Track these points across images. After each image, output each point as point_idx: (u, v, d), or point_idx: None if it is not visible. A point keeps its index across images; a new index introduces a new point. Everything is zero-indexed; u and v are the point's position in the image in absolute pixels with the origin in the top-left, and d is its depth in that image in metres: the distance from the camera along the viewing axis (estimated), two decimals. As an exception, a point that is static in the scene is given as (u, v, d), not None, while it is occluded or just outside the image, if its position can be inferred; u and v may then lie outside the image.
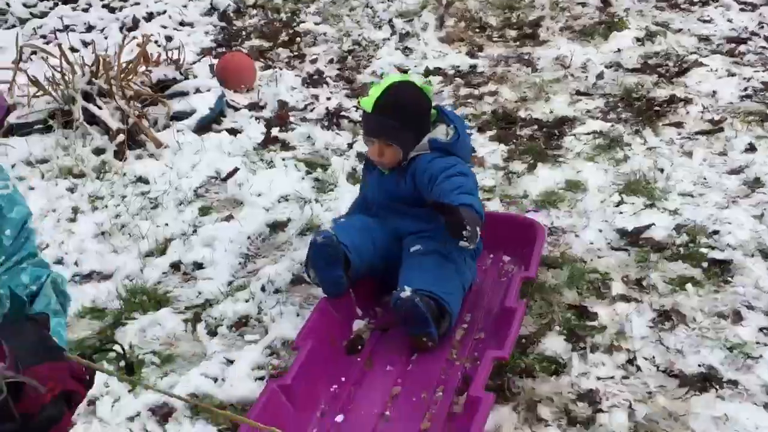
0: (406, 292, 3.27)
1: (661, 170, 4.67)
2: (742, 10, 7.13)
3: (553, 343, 3.44)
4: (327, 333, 3.41)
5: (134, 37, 6.74)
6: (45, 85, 5.76)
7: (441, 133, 3.55)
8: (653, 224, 4.18)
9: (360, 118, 3.68)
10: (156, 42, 7.00)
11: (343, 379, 3.30)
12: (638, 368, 3.29)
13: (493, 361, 3.09)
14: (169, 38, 7.43)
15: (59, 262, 4.37)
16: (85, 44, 7.21)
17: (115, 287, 4.04)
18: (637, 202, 4.39)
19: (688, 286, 3.71)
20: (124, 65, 5.86)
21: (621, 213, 4.33)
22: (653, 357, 3.33)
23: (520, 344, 3.43)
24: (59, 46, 5.84)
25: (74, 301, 3.89)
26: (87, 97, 5.73)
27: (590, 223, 4.28)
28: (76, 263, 4.35)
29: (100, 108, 5.66)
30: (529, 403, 3.13)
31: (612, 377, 3.26)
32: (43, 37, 7.76)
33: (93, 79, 5.73)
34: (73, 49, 6.38)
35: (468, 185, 3.39)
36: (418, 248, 3.50)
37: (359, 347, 3.46)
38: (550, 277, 3.86)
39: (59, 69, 5.69)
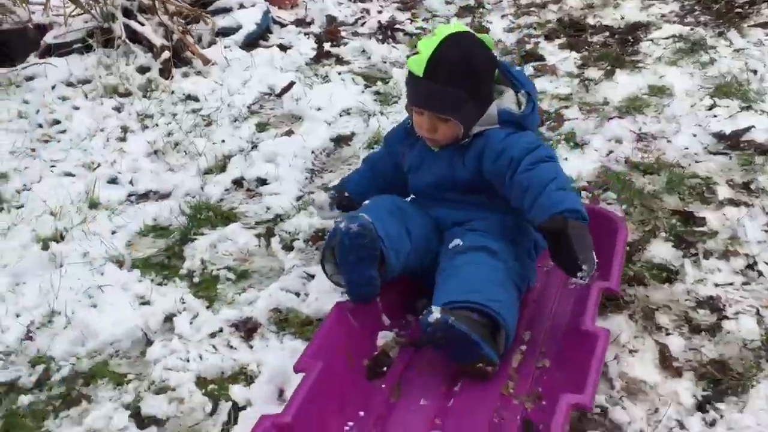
0: (435, 314, 2.40)
1: (754, 72, 4.33)
2: None
3: (661, 250, 3.16)
4: (343, 349, 2.57)
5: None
6: (82, 2, 5.44)
7: (510, 101, 2.74)
8: (753, 127, 3.86)
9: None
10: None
11: (362, 413, 2.44)
12: (760, 273, 3.01)
13: (571, 410, 2.22)
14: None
15: (113, 181, 4.11)
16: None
17: (177, 204, 3.78)
18: (732, 105, 4.08)
19: (802, 187, 3.41)
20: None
21: (715, 116, 4.02)
22: (775, 262, 3.05)
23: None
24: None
25: (134, 219, 3.66)
26: (127, 13, 5.43)
27: (682, 128, 3.98)
28: (131, 182, 4.09)
29: (142, 24, 5.35)
30: (646, 311, 2.86)
31: (731, 283, 2.98)
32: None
33: (132, -7, 5.41)
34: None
35: (561, 175, 2.60)
36: (458, 244, 2.69)
37: (384, 368, 2.60)
38: (647, 183, 3.57)
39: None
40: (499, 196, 2.72)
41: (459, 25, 2.70)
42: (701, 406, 2.48)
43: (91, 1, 5.43)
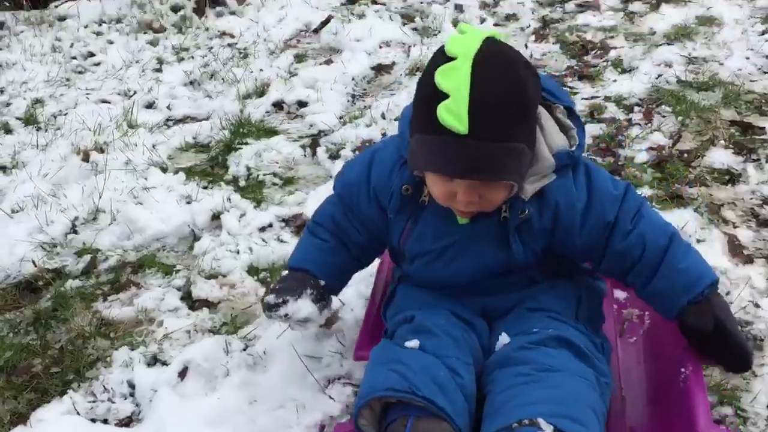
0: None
1: (804, 1, 4.23)
2: None
3: (721, 156, 3.07)
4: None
5: None
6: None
7: (553, 129, 1.83)
8: (807, 47, 3.76)
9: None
10: None
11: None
12: (826, 172, 2.91)
13: None
14: None
15: (150, 106, 4.05)
16: None
17: (218, 122, 3.70)
18: (785, 31, 3.97)
19: None
20: None
21: None
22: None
23: (681, 159, 3.06)
24: None
25: (174, 137, 3.60)
26: (161, -45, 5.37)
27: (734, 52, 3.87)
28: (168, 107, 4.02)
29: (176, -36, 5.30)
30: (711, 207, 2.77)
31: (798, 188, 2.88)
32: None
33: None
34: None
35: (669, 223, 1.88)
36: (510, 342, 1.83)
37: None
38: (702, 98, 3.47)
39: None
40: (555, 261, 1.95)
41: (478, 32, 1.69)
42: (775, 289, 2.39)
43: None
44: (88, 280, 2.66)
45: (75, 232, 2.93)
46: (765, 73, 3.66)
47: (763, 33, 3.99)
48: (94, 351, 2.35)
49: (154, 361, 2.30)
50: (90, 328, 2.41)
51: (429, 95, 1.63)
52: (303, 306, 1.94)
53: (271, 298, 1.94)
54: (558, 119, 1.86)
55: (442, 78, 1.60)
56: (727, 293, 2.35)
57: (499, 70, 1.63)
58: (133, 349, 2.32)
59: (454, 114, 1.58)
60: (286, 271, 2.05)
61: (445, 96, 1.59)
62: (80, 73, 4.53)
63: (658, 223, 1.86)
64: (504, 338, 1.83)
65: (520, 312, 1.89)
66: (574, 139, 1.84)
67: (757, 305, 2.32)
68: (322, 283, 2.00)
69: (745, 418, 1.95)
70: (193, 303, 2.52)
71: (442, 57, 1.63)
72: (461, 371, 1.76)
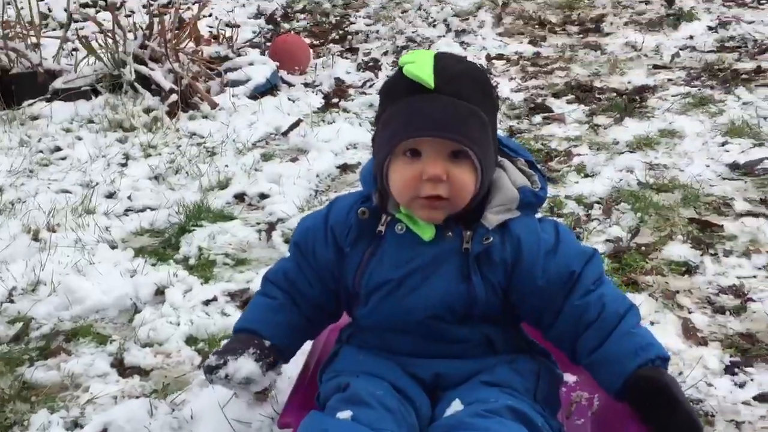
0: None
1: (765, 118, 4.30)
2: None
3: (679, 250, 3.03)
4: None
5: (188, 8, 6.55)
6: (95, 50, 5.50)
7: (516, 174, 1.85)
8: (767, 158, 3.79)
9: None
10: (209, 26, 6.79)
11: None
12: (784, 269, 2.87)
13: None
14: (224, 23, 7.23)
15: (111, 196, 4.01)
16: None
17: (175, 210, 3.66)
18: (744, 143, 4.02)
19: (822, 203, 3.31)
20: (177, 26, 5.62)
21: (727, 151, 3.95)
22: (798, 260, 2.92)
23: (639, 251, 3.03)
24: (111, 9, 5.59)
25: (130, 223, 3.55)
26: (138, 62, 5.47)
27: (694, 160, 3.90)
28: (129, 197, 3.98)
29: (152, 69, 5.38)
30: (666, 293, 2.71)
31: (755, 276, 2.83)
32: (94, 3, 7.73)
33: (146, 41, 5.47)
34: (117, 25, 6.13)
35: (620, 290, 1.89)
36: (464, 409, 1.69)
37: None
38: (662, 199, 3.47)
39: (111, 33, 5.43)
40: (514, 326, 1.88)
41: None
42: (729, 370, 2.30)
43: (105, 47, 5.48)
44: (17, 345, 2.54)
45: (11, 301, 2.83)
46: (724, 179, 3.67)
47: (723, 144, 4.03)
48: (11, 415, 2.22)
49: (74, 425, 2.17)
50: (10, 391, 2.28)
51: (392, 81, 1.77)
52: (243, 365, 1.81)
53: (211, 360, 1.83)
54: (521, 169, 1.87)
55: (410, 57, 1.72)
56: (680, 373, 2.27)
57: (458, 58, 1.80)
58: (52, 413, 2.19)
59: (420, 68, 1.69)
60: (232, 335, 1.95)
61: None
62: (45, 165, 4.51)
63: (619, 293, 1.83)
64: (457, 404, 1.71)
65: (474, 384, 1.77)
66: (536, 184, 1.85)
67: (709, 384, 2.23)
68: (268, 343, 1.88)
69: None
70: (124, 370, 2.40)
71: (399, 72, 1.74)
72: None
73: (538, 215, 1.89)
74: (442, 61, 1.73)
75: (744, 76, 5.11)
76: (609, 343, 1.71)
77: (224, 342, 1.97)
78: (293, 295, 1.93)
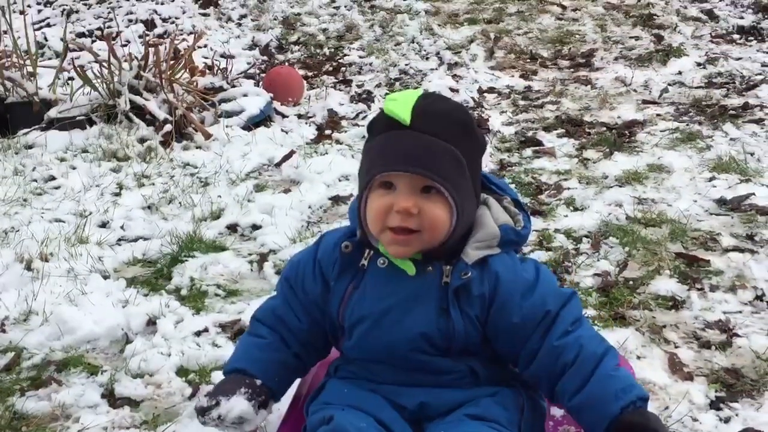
0: None
1: (751, 154, 4.37)
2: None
3: (666, 284, 3.07)
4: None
5: (183, 39, 6.61)
6: (91, 80, 5.54)
7: (500, 212, 1.90)
8: (753, 194, 3.84)
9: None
10: (204, 57, 6.85)
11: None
12: (769, 304, 2.91)
13: None
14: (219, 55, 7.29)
15: (104, 225, 4.03)
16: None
17: (168, 240, 3.68)
18: (731, 178, 4.08)
19: (807, 239, 3.36)
20: (172, 57, 5.67)
21: (715, 186, 4.01)
22: (784, 297, 2.96)
23: (626, 286, 3.06)
24: (107, 39, 5.64)
25: (122, 252, 3.57)
26: (133, 92, 5.51)
27: (682, 195, 3.95)
28: (122, 227, 4.00)
29: (146, 99, 5.43)
30: (653, 328, 2.75)
31: (740, 311, 2.87)
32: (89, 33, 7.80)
33: (141, 72, 5.51)
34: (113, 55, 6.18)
35: (598, 333, 1.87)
36: None
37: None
38: (649, 233, 3.51)
39: (106, 63, 5.48)
40: (497, 359, 1.89)
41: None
42: (715, 405, 2.33)
43: (100, 78, 5.53)
44: (8, 375, 2.56)
45: (3, 331, 2.84)
46: (711, 214, 3.72)
47: (710, 179, 4.09)
48: (2, 445, 2.23)
49: (64, 456, 2.18)
50: (1, 421, 2.29)
51: (375, 118, 1.83)
52: (236, 405, 1.82)
53: (203, 401, 1.83)
54: (506, 207, 1.92)
55: (394, 96, 1.79)
56: (666, 408, 2.29)
57: (444, 99, 1.90)
58: (43, 443, 2.20)
59: (399, 106, 1.75)
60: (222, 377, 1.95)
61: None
62: (39, 194, 4.53)
63: (596, 335, 1.84)
64: None
65: (459, 417, 1.78)
66: (519, 223, 1.89)
67: (695, 419, 2.25)
68: (259, 382, 1.89)
69: None
70: (114, 401, 2.42)
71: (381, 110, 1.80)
72: None
73: (521, 255, 1.93)
74: (425, 100, 1.79)
75: (732, 112, 5.19)
76: (590, 385, 1.73)
77: (215, 382, 2.02)
78: (281, 333, 1.96)
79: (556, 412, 2.23)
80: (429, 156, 1.74)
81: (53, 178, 4.73)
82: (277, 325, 1.96)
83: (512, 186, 4.14)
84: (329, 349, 2.04)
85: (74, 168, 4.85)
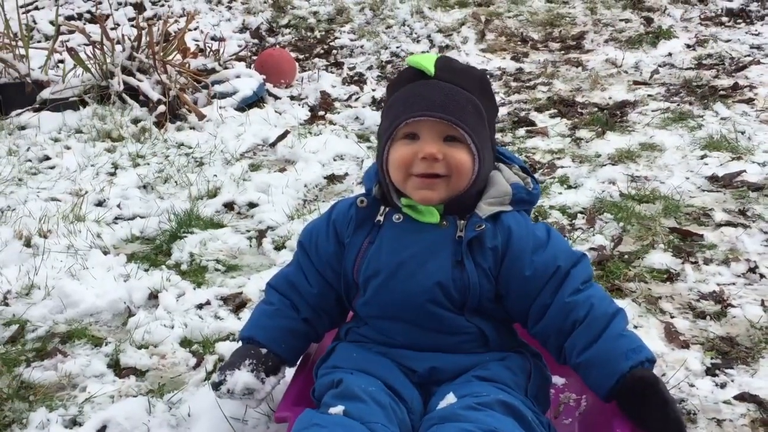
0: None
1: (742, 132, 4.41)
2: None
3: (660, 258, 3.11)
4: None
5: (175, 20, 6.61)
6: (83, 61, 5.53)
7: (510, 173, 2.00)
8: (744, 171, 3.90)
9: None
10: (195, 40, 6.84)
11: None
12: (762, 276, 2.95)
13: None
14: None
15: (100, 204, 4.04)
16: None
17: (166, 218, 3.70)
18: (722, 156, 4.13)
19: (798, 214, 3.41)
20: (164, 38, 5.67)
21: (706, 164, 4.06)
22: (777, 268, 3.01)
23: (622, 259, 3.11)
24: (100, 20, 5.64)
25: (119, 230, 3.59)
26: (126, 73, 5.52)
27: (675, 173, 4.00)
28: (119, 206, 4.01)
29: (140, 81, 5.43)
30: (649, 299, 2.79)
31: (734, 283, 2.92)
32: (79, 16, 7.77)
33: (134, 53, 5.51)
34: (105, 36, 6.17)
35: (608, 295, 1.97)
36: (457, 401, 1.76)
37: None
38: (643, 209, 3.56)
39: (99, 44, 5.48)
40: (507, 324, 1.98)
41: None
42: (711, 371, 2.37)
43: (93, 58, 5.52)
44: (14, 346, 2.58)
45: (6, 304, 2.86)
46: (704, 191, 3.77)
47: (702, 157, 4.14)
48: (10, 413, 2.25)
49: (72, 423, 2.20)
50: (9, 390, 2.32)
51: (397, 75, 1.97)
52: (240, 378, 1.91)
53: (215, 377, 1.94)
54: (515, 173, 2.01)
55: (412, 56, 1.92)
56: (663, 374, 2.34)
57: (460, 62, 1.97)
58: (51, 411, 2.22)
59: (423, 59, 1.89)
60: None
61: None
62: (34, 174, 4.54)
63: (606, 296, 1.91)
64: (450, 397, 1.79)
65: (468, 379, 1.85)
66: (529, 185, 2.00)
67: (692, 385, 2.30)
68: (264, 351, 1.96)
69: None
70: (120, 370, 2.44)
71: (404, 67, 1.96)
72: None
73: (531, 217, 2.00)
74: (446, 58, 1.94)
75: (722, 92, 5.24)
76: (600, 343, 1.80)
77: (219, 353, 2.24)
78: (292, 299, 2.03)
79: (558, 380, 2.28)
80: (453, 104, 1.85)
81: (48, 158, 4.73)
82: (288, 291, 2.03)
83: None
84: (345, 316, 2.10)
85: (69, 148, 4.85)
